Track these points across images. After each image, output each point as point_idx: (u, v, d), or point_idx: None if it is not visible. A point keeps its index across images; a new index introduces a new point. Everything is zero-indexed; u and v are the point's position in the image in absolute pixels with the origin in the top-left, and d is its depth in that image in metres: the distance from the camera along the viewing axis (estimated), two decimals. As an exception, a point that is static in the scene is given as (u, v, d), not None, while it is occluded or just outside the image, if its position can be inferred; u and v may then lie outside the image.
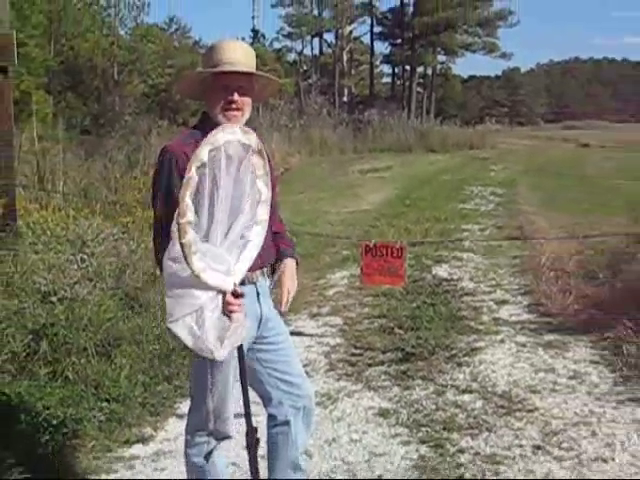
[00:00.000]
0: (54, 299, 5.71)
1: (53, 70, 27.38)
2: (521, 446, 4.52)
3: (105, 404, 4.92)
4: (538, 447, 4.51)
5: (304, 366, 5.84)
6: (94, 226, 7.29)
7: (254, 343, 3.36)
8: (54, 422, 4.58)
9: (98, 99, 24.37)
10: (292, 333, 6.92)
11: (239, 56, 3.23)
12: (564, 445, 4.52)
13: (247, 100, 3.26)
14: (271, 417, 3.51)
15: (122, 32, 35.34)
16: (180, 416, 4.82)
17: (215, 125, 3.03)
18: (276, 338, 3.48)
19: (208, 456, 3.34)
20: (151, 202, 3.23)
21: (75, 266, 6.34)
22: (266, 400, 3.50)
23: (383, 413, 5.07)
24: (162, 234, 2.97)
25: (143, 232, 8.12)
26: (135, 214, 8.63)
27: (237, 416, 3.32)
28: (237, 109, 3.22)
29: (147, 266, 6.95)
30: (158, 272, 3.11)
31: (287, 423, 3.47)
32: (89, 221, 7.44)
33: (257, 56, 3.46)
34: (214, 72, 3.20)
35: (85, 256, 6.63)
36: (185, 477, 3.49)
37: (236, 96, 3.20)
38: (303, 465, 3.61)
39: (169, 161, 3.14)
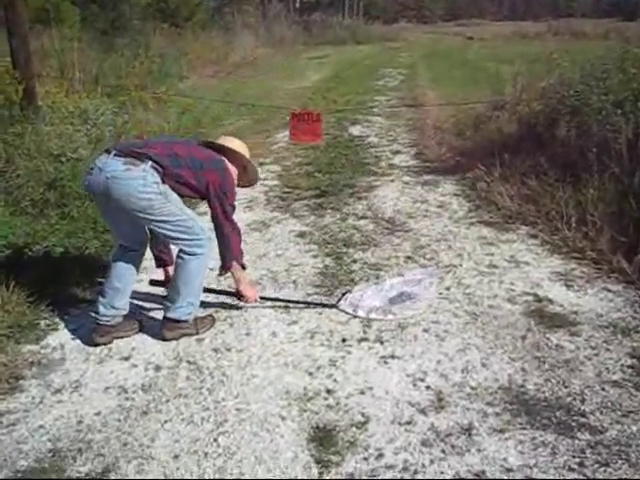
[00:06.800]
0: (63, 159, 5.35)
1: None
2: (397, 257, 4.35)
3: (100, 235, 4.64)
4: (409, 257, 4.34)
5: (249, 202, 5.66)
6: (96, 103, 6.79)
7: None
8: (61, 250, 4.33)
9: (113, 8, 22.81)
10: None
11: None
12: (427, 256, 4.35)
13: None
14: None
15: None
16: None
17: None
18: None
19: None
20: (225, 198, 3.23)
21: (81, 134, 5.95)
22: None
23: (301, 234, 4.86)
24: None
25: (135, 108, 7.65)
26: (130, 94, 8.06)
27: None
28: None
29: (136, 131, 6.60)
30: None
31: None
32: (94, 100, 6.93)
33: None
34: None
35: (89, 126, 6.21)
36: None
37: None
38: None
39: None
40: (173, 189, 3.09)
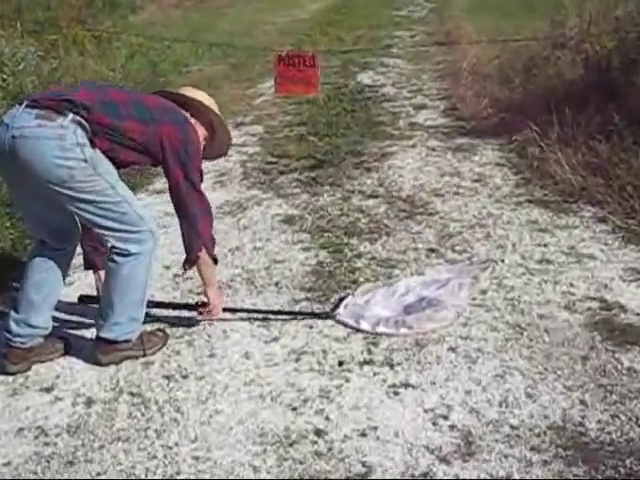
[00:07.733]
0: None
1: None
2: (416, 249, 4.34)
3: (18, 222, 4.61)
4: (432, 250, 4.33)
5: (220, 175, 5.68)
6: (16, 44, 6.77)
7: None
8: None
9: None
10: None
11: None
12: (457, 248, 4.34)
13: None
14: None
15: None
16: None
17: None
18: None
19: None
20: (188, 159, 3.15)
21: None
22: None
23: (289, 220, 4.88)
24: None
25: (68, 51, 7.65)
26: (63, 32, 8.07)
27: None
28: None
29: (68, 81, 6.62)
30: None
31: None
32: (13, 40, 6.91)
33: None
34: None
35: (5, 75, 6.20)
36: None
37: None
38: None
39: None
40: (108, 156, 2.96)
